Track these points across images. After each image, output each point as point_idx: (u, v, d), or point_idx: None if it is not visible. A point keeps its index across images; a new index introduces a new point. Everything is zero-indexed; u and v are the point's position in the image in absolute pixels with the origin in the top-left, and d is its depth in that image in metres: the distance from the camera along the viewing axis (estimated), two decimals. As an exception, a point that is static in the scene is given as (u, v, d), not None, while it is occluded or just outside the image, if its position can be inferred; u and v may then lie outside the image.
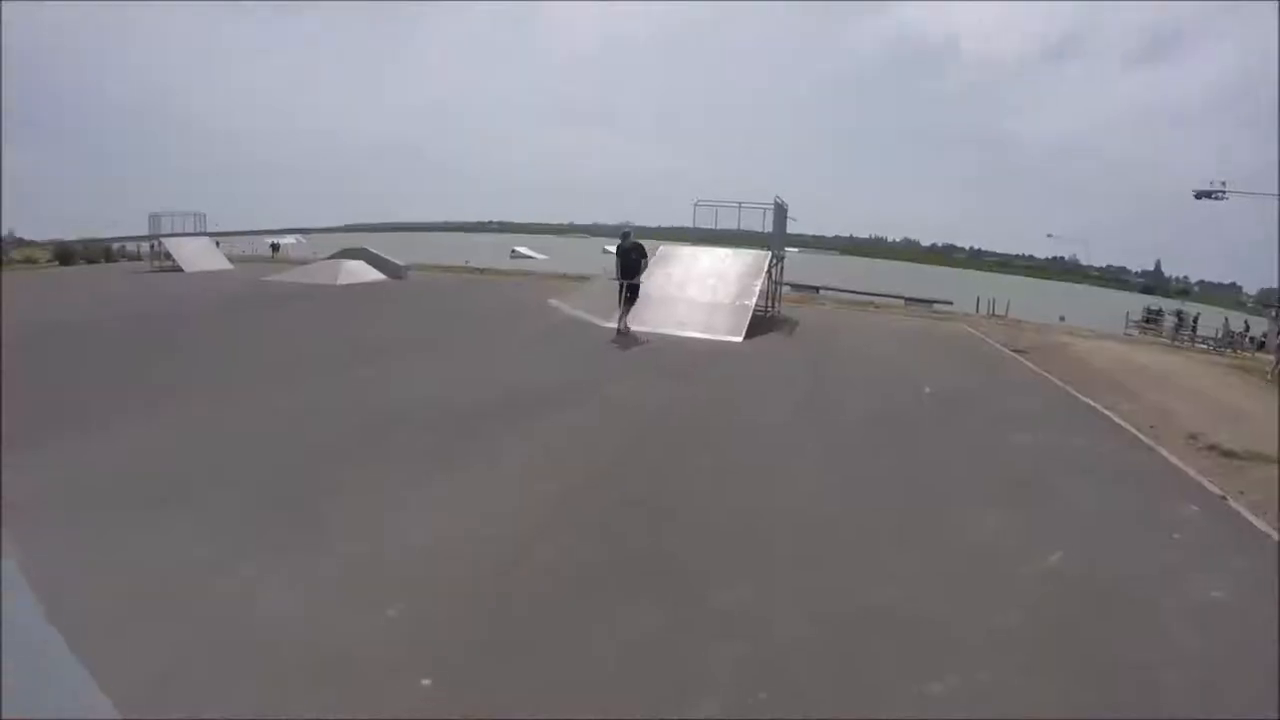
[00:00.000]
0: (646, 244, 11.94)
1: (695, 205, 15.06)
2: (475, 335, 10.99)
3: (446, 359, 8.94)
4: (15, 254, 40.42)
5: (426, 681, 2.82)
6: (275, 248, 40.35)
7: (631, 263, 10.89)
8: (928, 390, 7.84)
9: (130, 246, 35.95)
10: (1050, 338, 14.01)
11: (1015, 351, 11.26)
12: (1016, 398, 7.98)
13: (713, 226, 14.99)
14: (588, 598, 3.44)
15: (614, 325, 10.74)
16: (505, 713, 2.64)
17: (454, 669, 2.92)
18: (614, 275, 11.24)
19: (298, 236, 50.03)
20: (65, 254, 33.93)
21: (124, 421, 5.99)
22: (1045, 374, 9.27)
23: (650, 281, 12.40)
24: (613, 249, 11.85)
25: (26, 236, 54.21)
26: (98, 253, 35.39)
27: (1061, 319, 22.13)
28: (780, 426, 6.20)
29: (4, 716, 1.70)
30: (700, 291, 12.23)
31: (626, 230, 11.40)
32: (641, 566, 3.75)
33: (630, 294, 10.84)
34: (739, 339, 10.71)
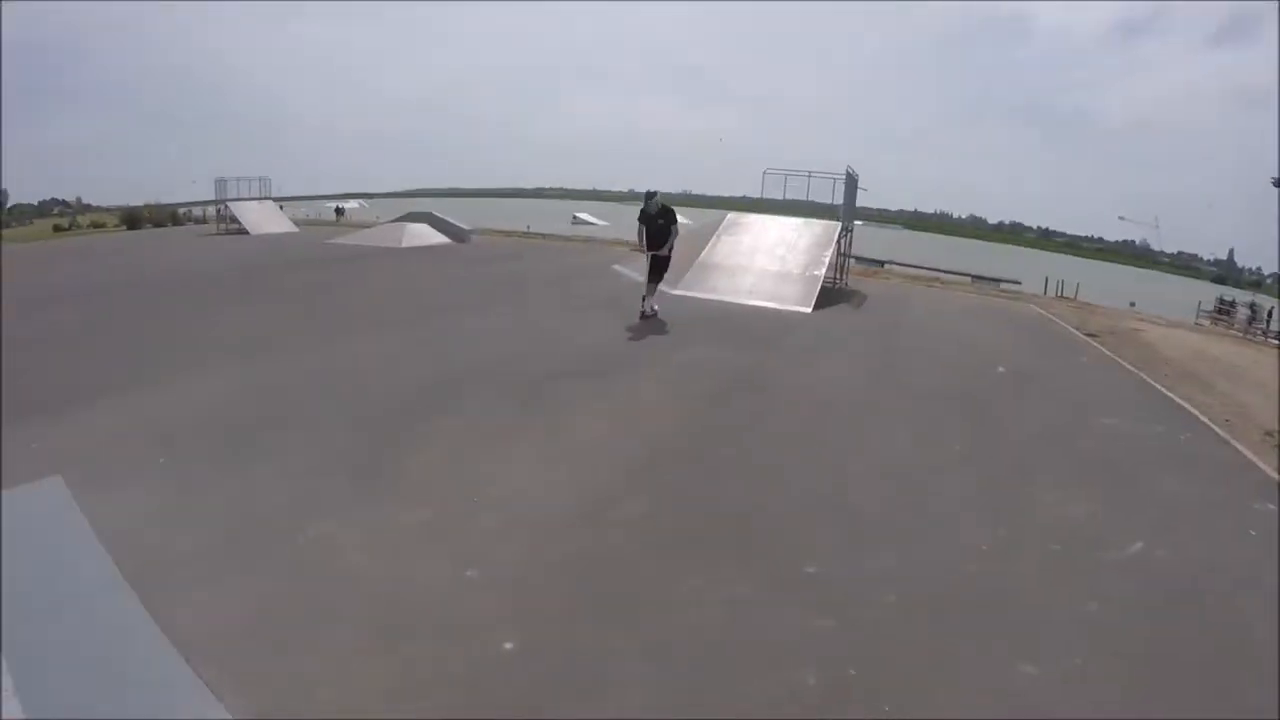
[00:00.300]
0: (689, 217, 10.89)
1: (764, 173, 14.74)
2: (541, 297, 10.95)
3: (515, 319, 8.93)
4: (81, 219, 42.03)
5: (509, 645, 2.78)
6: (340, 211, 41.09)
7: (658, 230, 9.17)
8: (1001, 369, 7.49)
9: (196, 211, 37.02)
10: (1121, 323, 13.31)
11: (1087, 335, 10.70)
12: (1090, 381, 7.63)
13: (780, 197, 14.64)
14: (675, 560, 3.39)
15: (674, 292, 10.45)
16: (584, 679, 2.60)
17: (538, 630, 2.87)
18: (636, 245, 9.68)
19: (360, 201, 50.82)
20: (133, 219, 35.16)
21: (204, 373, 6.10)
22: (1117, 359, 8.79)
23: (717, 250, 12.17)
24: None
25: (94, 203, 56.21)
26: (164, 217, 36.62)
27: (1132, 304, 21.10)
28: (856, 401, 6.00)
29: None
30: (769, 261, 11.90)
31: (652, 192, 9.40)
32: (725, 529, 3.66)
33: (657, 268, 9.20)
34: (808, 310, 10.39)
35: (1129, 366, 8.36)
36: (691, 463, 4.51)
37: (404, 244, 17.79)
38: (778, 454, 4.73)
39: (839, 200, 14.00)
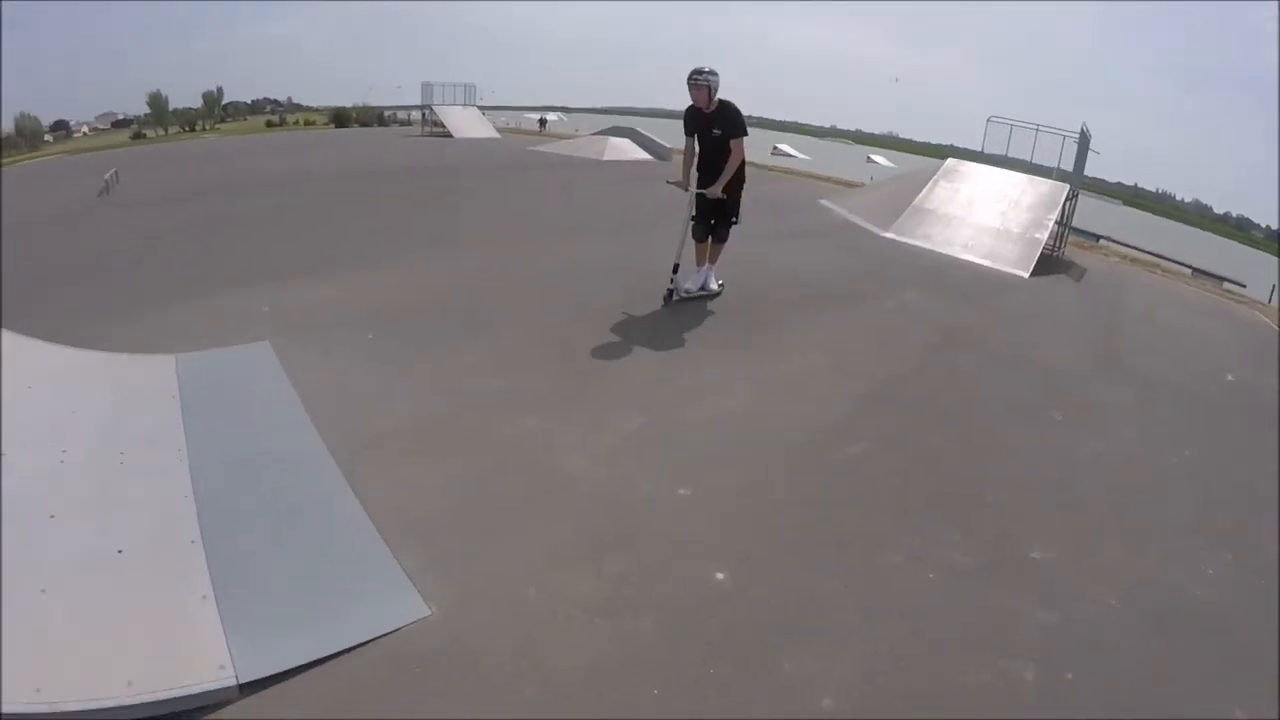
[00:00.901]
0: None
1: (988, 121, 13.67)
2: (750, 222, 10.86)
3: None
4: (289, 117, 45.79)
5: (720, 576, 2.75)
6: (543, 122, 42.13)
7: (710, 144, 5.63)
8: (1230, 378, 6.71)
9: (401, 114, 39.31)
10: None
11: None
12: None
13: (1003, 153, 13.51)
14: (892, 514, 3.27)
15: (884, 234, 9.95)
16: (795, 624, 2.53)
17: (749, 564, 2.82)
18: (678, 177, 5.99)
19: (559, 114, 51.88)
20: (340, 118, 37.90)
21: (412, 261, 6.54)
22: None
23: (933, 196, 11.53)
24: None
25: (304, 103, 60.92)
26: (371, 118, 39.22)
27: None
28: (1079, 377, 5.69)
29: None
30: (988, 216, 11.22)
31: (700, 69, 5.45)
32: (946, 491, 3.54)
33: (707, 218, 5.91)
34: (1024, 274, 9.74)
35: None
36: (908, 413, 4.37)
37: (605, 156, 18.24)
38: (998, 421, 4.51)
39: (1066, 164, 12.81)
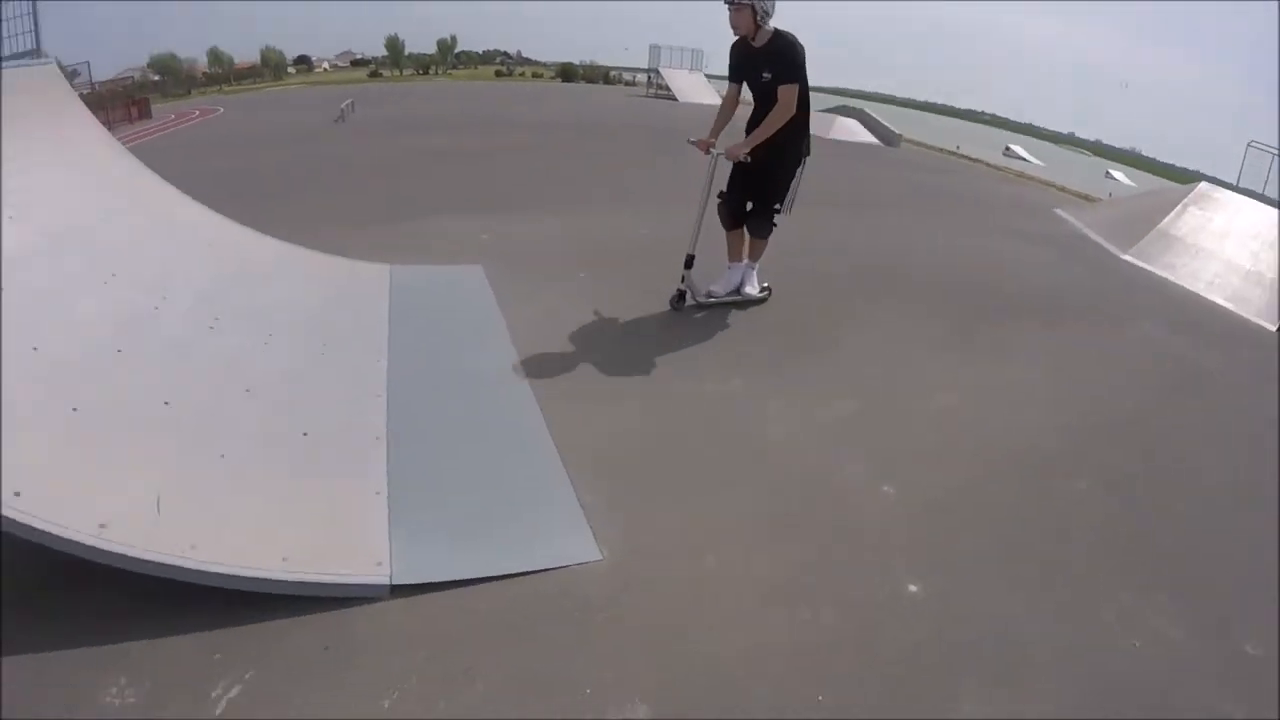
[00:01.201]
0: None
1: (1248, 146, 12.21)
2: (971, 218, 10.71)
3: (950, 236, 8.86)
4: (517, 70, 48.58)
5: (913, 587, 2.54)
6: None
7: (760, 92, 4.25)
8: None
9: (626, 76, 40.82)
10: None
11: None
12: None
13: (1260, 188, 11.99)
14: (1106, 559, 2.91)
15: (1124, 256, 9.31)
16: (989, 652, 2.31)
17: (944, 576, 2.62)
18: (704, 137, 4.55)
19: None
20: (568, 73, 39.93)
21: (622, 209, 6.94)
22: None
23: (1182, 222, 10.65)
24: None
25: (533, 57, 64.26)
26: (597, 75, 41.06)
27: None
28: None
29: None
30: (1239, 253, 10.16)
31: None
32: (1159, 550, 3.09)
33: (741, 197, 4.64)
34: (1272, 326, 8.76)
35: None
36: (1135, 456, 3.85)
37: (830, 135, 18.26)
38: (1227, 488, 3.71)
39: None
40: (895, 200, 11.32)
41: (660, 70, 28.31)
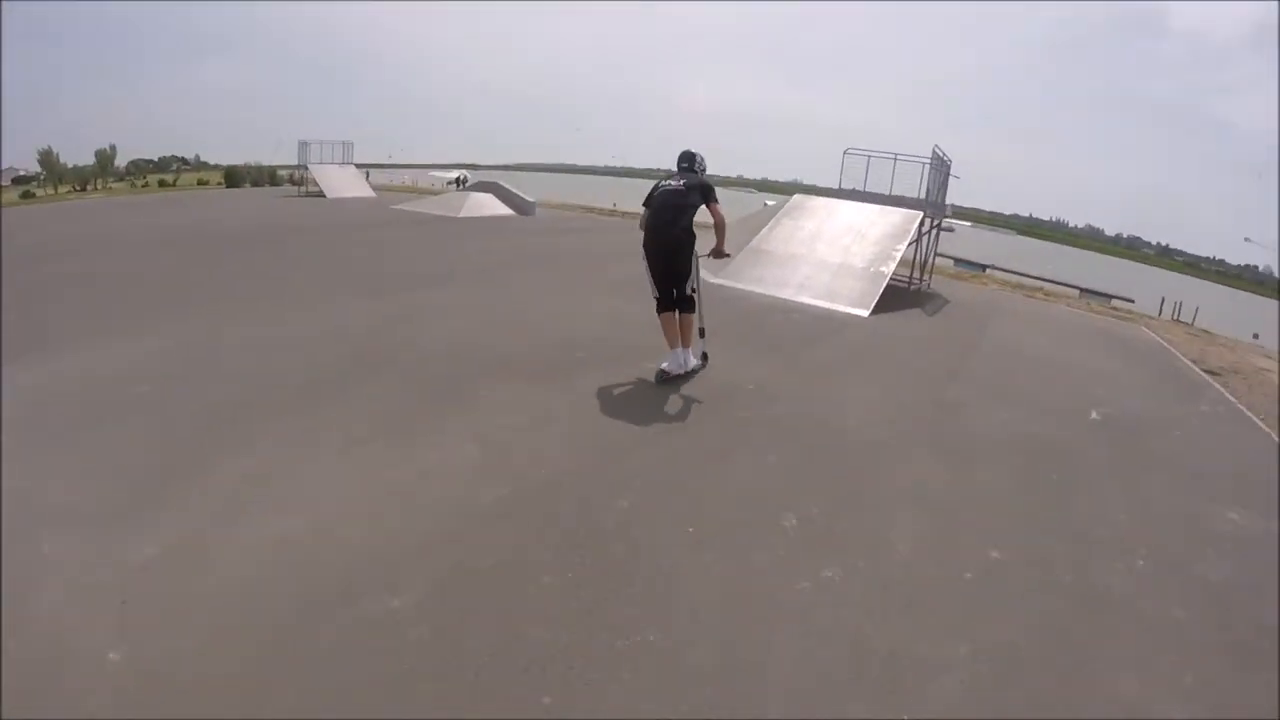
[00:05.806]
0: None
1: (844, 154, 12.88)
2: (572, 271, 10.02)
3: (516, 297, 7.97)
4: (183, 179, 44.58)
5: None
6: (460, 182, 40.37)
7: (667, 243, 5.09)
8: (1095, 415, 5.77)
9: (296, 174, 38.41)
10: (1245, 359, 10.98)
11: (1207, 372, 8.64)
12: (1215, 443, 5.71)
13: (860, 188, 12.77)
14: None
15: (712, 280, 9.07)
16: None
17: None
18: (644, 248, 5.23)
19: (463, 173, 50.99)
20: (234, 177, 36.77)
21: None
22: (1246, 411, 6.74)
23: (773, 236, 10.82)
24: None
25: (210, 160, 58.97)
26: (264, 177, 38.10)
27: (1255, 337, 18.33)
28: (872, 442, 4.53)
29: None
30: (831, 251, 10.48)
31: (689, 154, 5.50)
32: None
33: (671, 300, 5.21)
34: (864, 313, 8.92)
35: (1261, 425, 6.27)
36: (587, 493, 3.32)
37: (462, 214, 17.85)
38: (692, 532, 3.07)
39: (926, 192, 12.25)
40: (482, 267, 10.25)
41: (309, 167, 26.37)
